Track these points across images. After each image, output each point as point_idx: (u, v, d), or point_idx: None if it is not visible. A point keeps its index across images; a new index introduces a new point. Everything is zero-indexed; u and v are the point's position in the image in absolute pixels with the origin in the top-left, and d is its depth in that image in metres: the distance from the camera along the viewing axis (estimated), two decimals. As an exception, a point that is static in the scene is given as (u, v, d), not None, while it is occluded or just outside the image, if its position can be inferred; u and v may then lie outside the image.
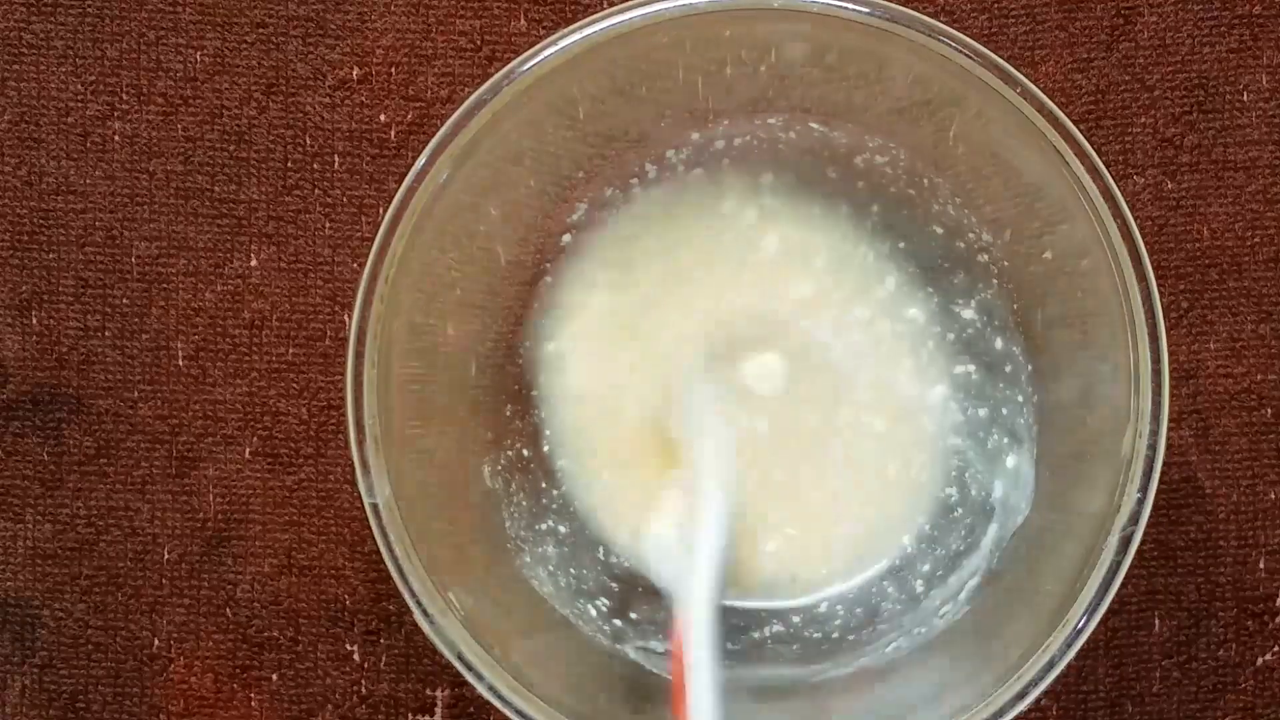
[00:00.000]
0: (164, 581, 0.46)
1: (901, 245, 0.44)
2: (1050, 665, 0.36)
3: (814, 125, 0.43)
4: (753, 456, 0.43)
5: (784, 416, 0.44)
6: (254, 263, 0.47)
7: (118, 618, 0.46)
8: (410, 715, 0.46)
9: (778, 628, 0.44)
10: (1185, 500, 0.45)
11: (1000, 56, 0.37)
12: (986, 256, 0.43)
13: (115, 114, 0.47)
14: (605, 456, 0.44)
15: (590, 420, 0.44)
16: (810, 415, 0.44)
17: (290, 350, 0.47)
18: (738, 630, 0.44)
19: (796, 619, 0.44)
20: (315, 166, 0.47)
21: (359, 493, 0.37)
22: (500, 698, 0.37)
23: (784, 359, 0.44)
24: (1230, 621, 0.45)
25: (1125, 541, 0.36)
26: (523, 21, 0.47)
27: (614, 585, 0.44)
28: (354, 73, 0.47)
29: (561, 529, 0.44)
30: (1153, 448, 0.36)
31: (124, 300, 0.47)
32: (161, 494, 0.46)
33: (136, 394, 0.47)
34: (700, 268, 0.44)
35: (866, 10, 0.37)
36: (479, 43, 0.47)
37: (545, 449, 0.44)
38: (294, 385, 0.46)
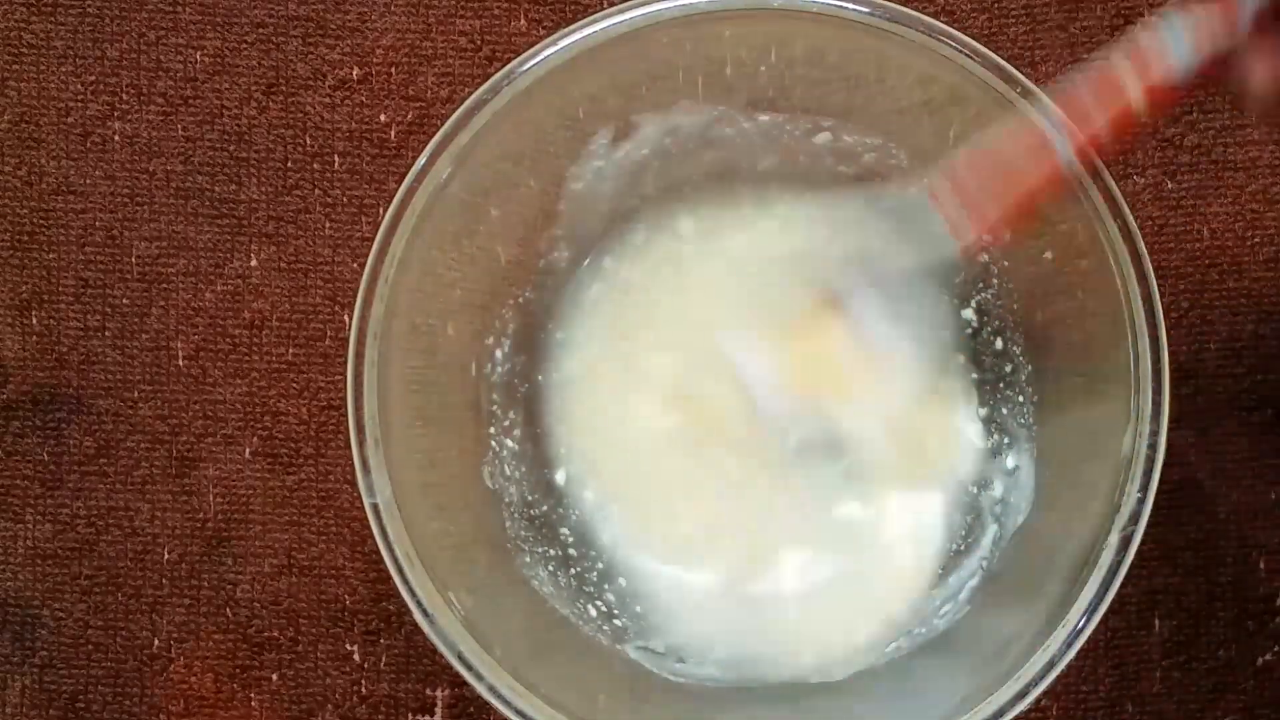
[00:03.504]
0: (164, 581, 0.46)
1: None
2: (1050, 665, 0.36)
3: (814, 125, 0.43)
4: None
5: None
6: (254, 263, 0.47)
7: (118, 618, 0.46)
8: (410, 715, 0.46)
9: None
10: (1185, 500, 0.45)
11: (1000, 56, 0.37)
12: (986, 256, 0.43)
13: (115, 114, 0.47)
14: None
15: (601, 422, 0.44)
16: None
17: (290, 350, 0.47)
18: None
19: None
20: (315, 166, 0.47)
21: (359, 493, 0.37)
22: (500, 698, 0.37)
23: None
24: (1230, 622, 0.45)
25: (1125, 541, 0.36)
26: (523, 21, 0.47)
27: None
28: (354, 73, 0.47)
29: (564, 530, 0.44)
30: (1153, 448, 0.36)
31: (124, 300, 0.47)
32: (161, 494, 0.46)
33: (136, 394, 0.47)
34: (698, 271, 0.44)
35: (866, 10, 0.37)
36: (479, 43, 0.47)
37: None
38: (294, 385, 0.46)
